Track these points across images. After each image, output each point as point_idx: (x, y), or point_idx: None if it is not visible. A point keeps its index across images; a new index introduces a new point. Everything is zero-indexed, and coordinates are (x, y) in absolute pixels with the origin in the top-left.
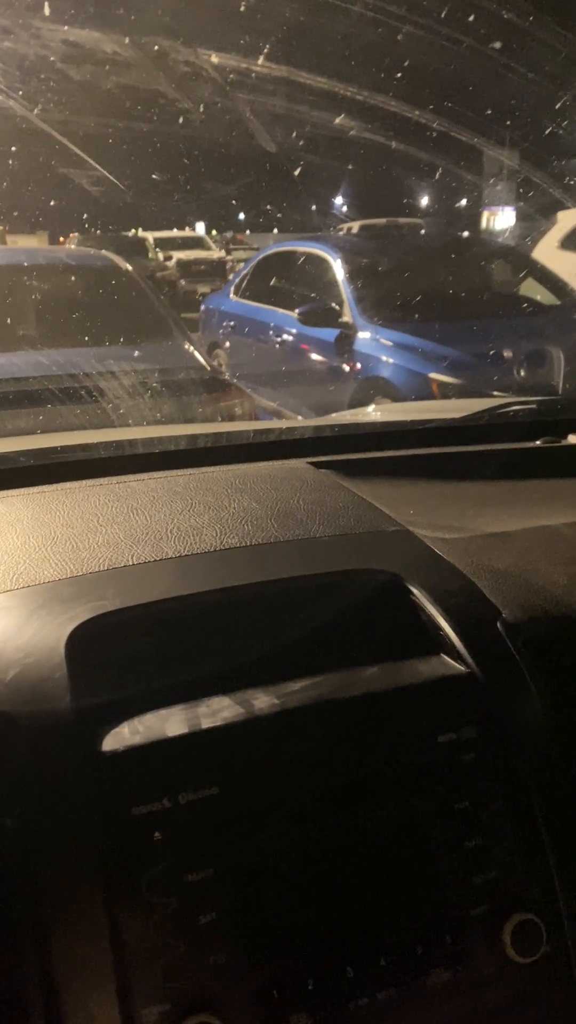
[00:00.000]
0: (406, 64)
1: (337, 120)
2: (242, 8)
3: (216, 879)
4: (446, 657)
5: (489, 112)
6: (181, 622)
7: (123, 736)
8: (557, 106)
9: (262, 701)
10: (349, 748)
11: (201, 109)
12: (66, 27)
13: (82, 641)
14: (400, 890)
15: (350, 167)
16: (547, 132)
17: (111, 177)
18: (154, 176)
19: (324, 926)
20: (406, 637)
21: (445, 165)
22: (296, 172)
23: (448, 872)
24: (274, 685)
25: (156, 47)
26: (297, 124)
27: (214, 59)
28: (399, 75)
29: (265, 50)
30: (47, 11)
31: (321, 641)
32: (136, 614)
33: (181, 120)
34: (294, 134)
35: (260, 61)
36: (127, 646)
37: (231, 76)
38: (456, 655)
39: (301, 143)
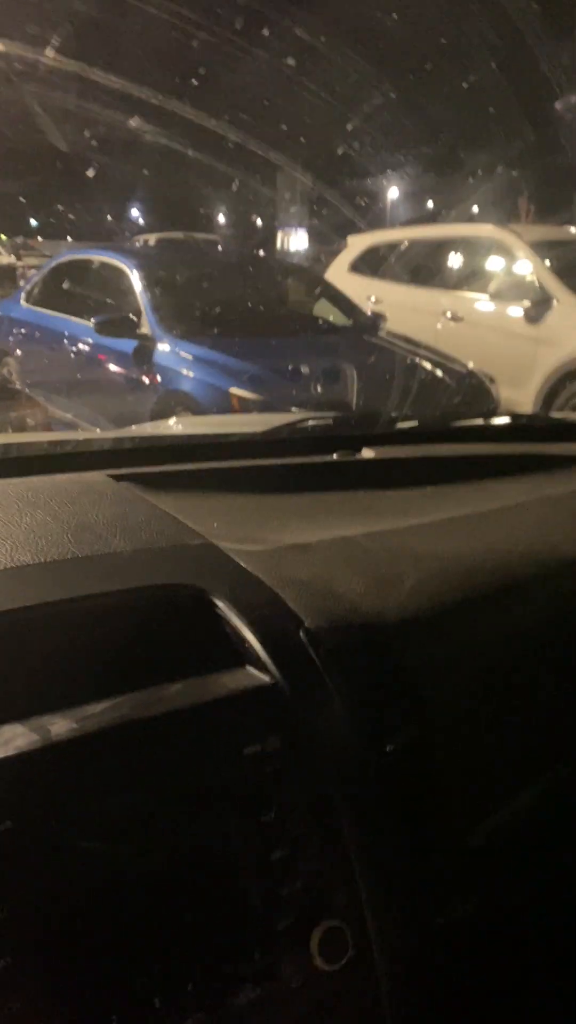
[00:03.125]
0: (202, 71)
1: (131, 122)
2: None
3: (10, 920)
4: (251, 669)
5: (284, 128)
6: None
7: None
8: (349, 127)
9: (59, 727)
10: (153, 769)
11: None
12: None
13: None
14: (207, 909)
15: (145, 172)
16: (338, 154)
17: None
18: None
19: (128, 958)
20: (211, 651)
21: (241, 179)
22: (89, 173)
23: (255, 886)
24: (72, 709)
25: None
26: (90, 123)
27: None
28: (195, 81)
29: (56, 43)
30: None
31: (123, 660)
32: None
33: None
34: (87, 133)
35: (51, 53)
36: None
37: (18, 66)
38: (261, 666)
39: (94, 143)
